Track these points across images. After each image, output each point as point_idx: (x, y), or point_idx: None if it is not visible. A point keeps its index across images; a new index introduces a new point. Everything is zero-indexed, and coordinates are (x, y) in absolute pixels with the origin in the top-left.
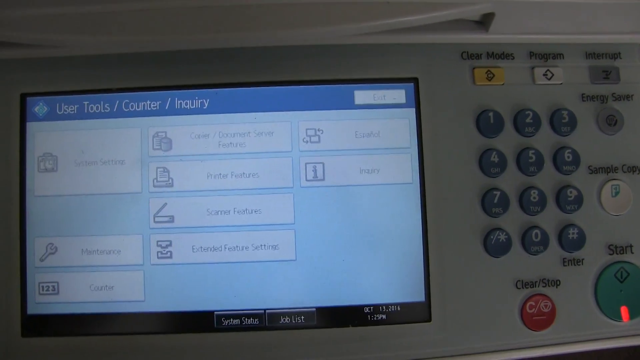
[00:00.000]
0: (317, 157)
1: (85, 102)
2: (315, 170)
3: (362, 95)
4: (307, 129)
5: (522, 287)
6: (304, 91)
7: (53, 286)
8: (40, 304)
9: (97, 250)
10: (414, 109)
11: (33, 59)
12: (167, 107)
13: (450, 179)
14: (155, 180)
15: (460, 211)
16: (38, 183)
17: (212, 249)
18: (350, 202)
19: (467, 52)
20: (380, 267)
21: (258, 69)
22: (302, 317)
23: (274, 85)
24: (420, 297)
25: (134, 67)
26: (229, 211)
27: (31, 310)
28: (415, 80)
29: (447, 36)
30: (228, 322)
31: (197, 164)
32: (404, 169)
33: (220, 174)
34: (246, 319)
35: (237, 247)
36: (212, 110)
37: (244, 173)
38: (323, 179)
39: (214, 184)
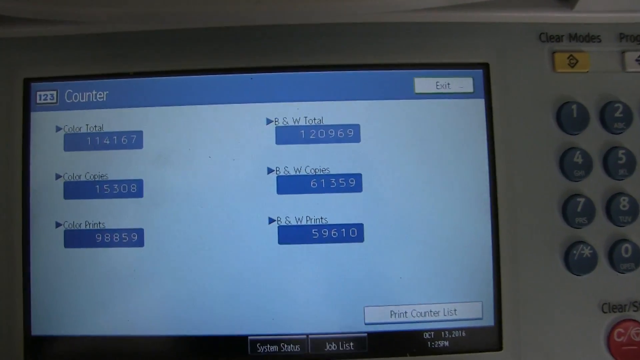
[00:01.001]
0: (368, 154)
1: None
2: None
3: (422, 83)
4: (355, 122)
5: (610, 311)
6: (354, 77)
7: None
8: (45, 324)
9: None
10: (483, 100)
11: (37, 38)
12: (193, 96)
13: (526, 183)
14: None
15: (538, 221)
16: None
17: None
18: (406, 208)
19: (547, 34)
20: (442, 285)
21: (300, 50)
22: (351, 344)
23: (316, 70)
24: (489, 320)
25: (156, 48)
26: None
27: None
28: (485, 67)
29: (524, 14)
30: (264, 349)
31: None
32: (470, 170)
33: None
34: (285, 345)
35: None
36: (244, 97)
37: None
38: (373, 182)
39: None
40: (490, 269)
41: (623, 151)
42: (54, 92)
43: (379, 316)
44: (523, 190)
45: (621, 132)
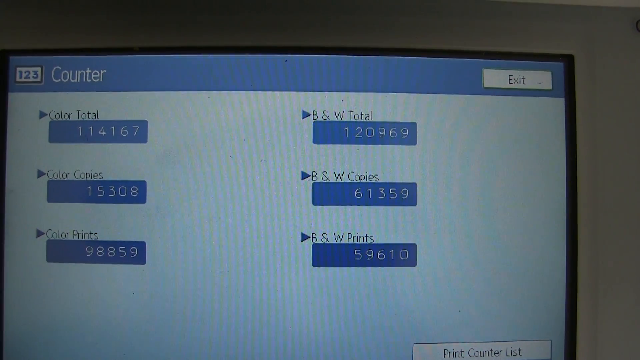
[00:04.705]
0: (425, 159)
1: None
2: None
3: (493, 76)
4: (411, 120)
5: None
6: (411, 65)
7: None
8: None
9: None
10: (563, 100)
11: (19, 2)
12: (212, 79)
13: (612, 200)
14: None
15: (624, 246)
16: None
17: None
18: (468, 227)
19: None
20: (506, 320)
21: (346, 29)
22: None
23: (365, 53)
24: None
25: (168, 18)
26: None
27: None
28: (568, 59)
29: None
30: None
31: None
32: (545, 183)
33: None
34: None
35: None
36: (274, 84)
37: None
38: (430, 193)
39: None
40: (563, 301)
41: None
42: (38, 69)
43: (431, 356)
44: (608, 209)
45: None
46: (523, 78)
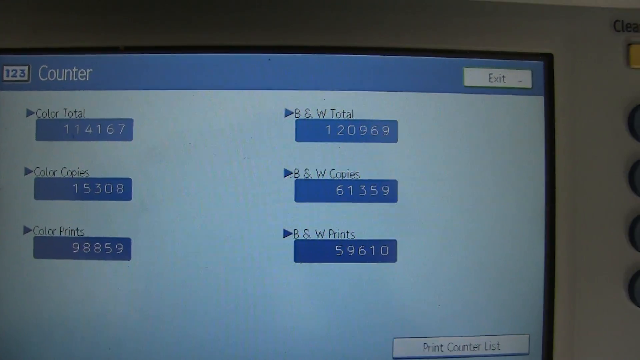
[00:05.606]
0: (406, 157)
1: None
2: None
3: (473, 74)
4: (393, 118)
5: None
6: (392, 64)
7: None
8: (7, 351)
9: None
10: (542, 98)
11: (6, 2)
12: (196, 78)
13: (588, 198)
14: None
15: (600, 242)
16: None
17: None
18: (448, 223)
19: (622, 22)
20: (485, 315)
21: (329, 28)
22: None
23: (348, 52)
24: (536, 356)
25: (153, 18)
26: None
27: None
28: (548, 58)
29: None
30: None
31: None
32: (524, 180)
33: None
34: None
35: None
36: (257, 82)
37: None
38: (411, 190)
39: None
40: (541, 296)
41: None
42: (25, 68)
43: (410, 349)
44: (585, 207)
45: None
46: (503, 77)
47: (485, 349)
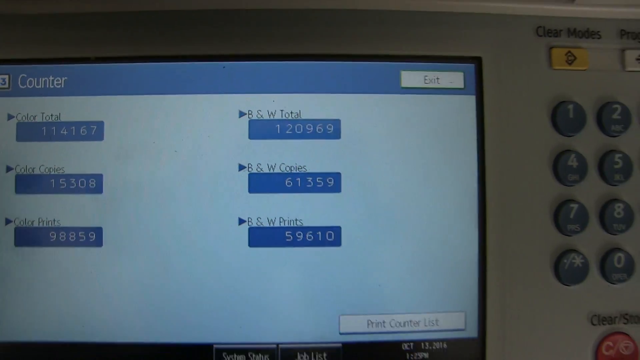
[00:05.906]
0: (348, 152)
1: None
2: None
3: (410, 77)
4: (336, 117)
5: (599, 324)
6: (335, 69)
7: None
8: None
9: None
10: (474, 97)
11: None
12: (160, 84)
13: (517, 186)
14: None
15: (528, 227)
16: None
17: None
18: (387, 211)
19: (544, 28)
20: (424, 294)
21: (277, 38)
22: (325, 355)
23: (295, 59)
24: (472, 332)
25: (120, 31)
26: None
27: None
28: (477, 61)
29: (521, 5)
30: (230, 358)
31: None
32: (458, 172)
33: None
34: (253, 355)
35: None
36: (214, 87)
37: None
38: (353, 182)
39: None
40: (476, 277)
41: (620, 155)
42: (6, 77)
43: (355, 326)
44: (513, 195)
45: (618, 135)
46: (438, 78)
47: (425, 325)
